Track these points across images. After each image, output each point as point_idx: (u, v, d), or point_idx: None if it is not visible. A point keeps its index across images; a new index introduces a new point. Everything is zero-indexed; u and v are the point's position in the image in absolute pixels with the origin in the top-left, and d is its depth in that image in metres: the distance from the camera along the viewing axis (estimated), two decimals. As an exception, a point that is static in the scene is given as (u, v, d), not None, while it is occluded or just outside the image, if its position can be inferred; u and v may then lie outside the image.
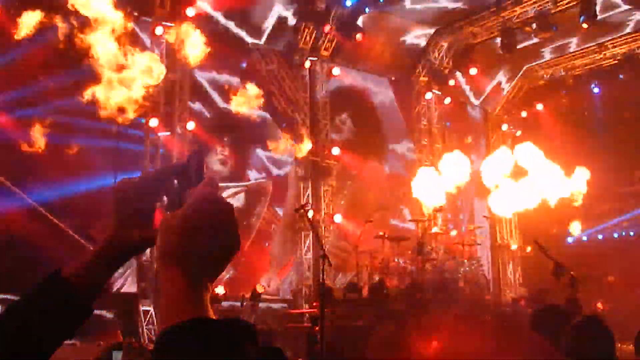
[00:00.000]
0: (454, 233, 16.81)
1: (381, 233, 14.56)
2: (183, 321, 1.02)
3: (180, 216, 1.09)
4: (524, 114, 20.80)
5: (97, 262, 1.28)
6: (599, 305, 16.72)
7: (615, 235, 19.87)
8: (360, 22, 16.71)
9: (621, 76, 19.15)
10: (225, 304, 13.39)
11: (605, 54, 19.22)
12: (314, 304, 13.45)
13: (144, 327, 12.95)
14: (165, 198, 1.28)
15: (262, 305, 13.64)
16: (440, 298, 13.44)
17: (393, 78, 19.40)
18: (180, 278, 1.07)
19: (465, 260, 15.09)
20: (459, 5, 17.56)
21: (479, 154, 20.63)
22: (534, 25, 17.53)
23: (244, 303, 13.16)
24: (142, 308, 13.15)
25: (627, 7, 16.74)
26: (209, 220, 1.09)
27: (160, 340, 1.03)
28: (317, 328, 10.52)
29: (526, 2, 17.01)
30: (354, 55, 17.71)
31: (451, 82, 19.34)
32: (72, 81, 12.21)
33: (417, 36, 18.74)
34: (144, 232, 1.28)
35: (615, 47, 18.95)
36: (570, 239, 20.64)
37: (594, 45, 19.22)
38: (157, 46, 14.57)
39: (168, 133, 14.36)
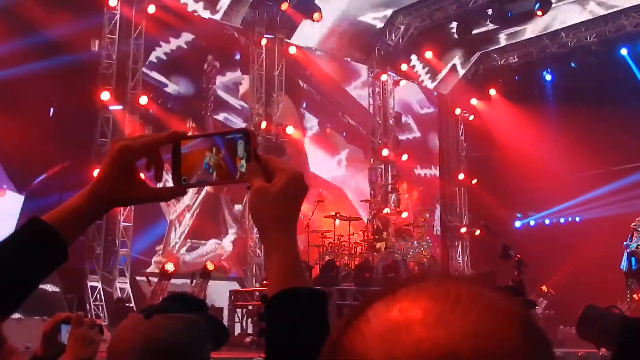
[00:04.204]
0: (405, 214, 16.95)
1: (332, 213, 14.60)
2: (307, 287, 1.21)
3: (285, 189, 1.25)
4: (473, 101, 21.03)
5: (75, 211, 1.30)
6: (544, 288, 17.13)
7: (562, 220, 20.30)
8: (317, 1, 16.65)
9: (572, 64, 19.51)
10: (175, 281, 13.33)
11: (558, 42, 19.52)
12: (264, 282, 13.46)
13: (92, 303, 12.81)
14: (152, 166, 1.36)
15: (211, 282, 13.58)
16: (390, 278, 13.59)
17: (349, 59, 19.40)
18: (293, 242, 1.25)
19: (416, 242, 15.27)
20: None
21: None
22: (490, 11, 17.73)
23: (194, 281, 13.11)
24: (89, 284, 13.00)
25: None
26: (302, 193, 1.29)
27: (295, 300, 1.19)
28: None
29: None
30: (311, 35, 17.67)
31: (405, 66, 19.43)
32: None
33: (374, 17, 18.73)
34: (125, 191, 1.32)
35: (568, 35, 19.25)
36: (517, 223, 21.05)
37: (547, 33, 19.51)
38: (111, 17, 14.36)
39: (120, 107, 14.16)
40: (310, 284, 1.24)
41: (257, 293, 13.44)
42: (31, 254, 1.24)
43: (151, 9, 14.68)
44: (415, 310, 0.64)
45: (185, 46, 15.79)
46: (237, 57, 16.96)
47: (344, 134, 19.10)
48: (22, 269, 1.23)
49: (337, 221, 14.55)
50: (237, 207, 16.30)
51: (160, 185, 1.38)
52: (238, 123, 16.26)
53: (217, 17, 16.33)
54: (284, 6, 16.40)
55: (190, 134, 1.37)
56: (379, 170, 19.09)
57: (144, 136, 1.35)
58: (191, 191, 15.33)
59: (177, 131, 1.37)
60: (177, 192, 1.37)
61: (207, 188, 15.48)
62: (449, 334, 0.61)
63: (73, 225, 1.29)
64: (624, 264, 12.48)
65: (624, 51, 19.07)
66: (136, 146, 1.32)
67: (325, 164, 18.43)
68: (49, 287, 11.97)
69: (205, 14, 16.03)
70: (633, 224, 12.37)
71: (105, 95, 13.88)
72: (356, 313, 0.68)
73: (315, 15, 16.51)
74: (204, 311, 1.87)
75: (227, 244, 16.01)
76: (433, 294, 0.65)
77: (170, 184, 1.36)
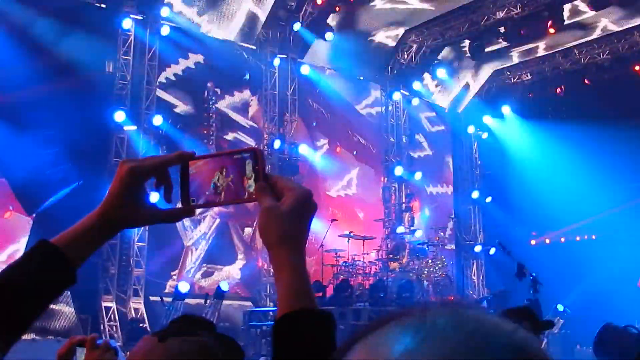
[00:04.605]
0: (419, 233, 16.89)
1: (347, 232, 14.57)
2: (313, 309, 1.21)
3: (294, 208, 1.26)
4: (487, 119, 21.00)
5: (85, 232, 1.30)
6: (559, 307, 16.94)
7: (578, 238, 20.14)
8: (330, 21, 16.75)
9: (586, 81, 19.47)
10: (189, 301, 13.30)
11: (571, 59, 19.49)
12: (278, 302, 13.40)
13: (106, 324, 12.80)
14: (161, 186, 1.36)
15: (225, 303, 13.55)
16: (404, 298, 13.52)
17: (361, 78, 19.45)
18: (302, 261, 1.26)
19: (430, 261, 15.19)
20: (428, 6, 17.66)
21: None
22: (502, 29, 17.76)
23: (209, 301, 13.09)
24: (103, 304, 13.00)
25: (593, 13, 16.99)
26: (311, 212, 1.30)
27: (300, 322, 1.19)
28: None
29: (494, 6, 17.15)
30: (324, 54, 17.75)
31: (417, 84, 19.47)
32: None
33: (386, 36, 18.80)
34: (134, 212, 1.33)
35: (580, 52, 19.23)
36: (533, 242, 20.90)
37: (560, 50, 19.50)
38: (126, 39, 14.52)
39: (134, 127, 14.25)
40: (318, 305, 1.24)
41: (272, 313, 13.38)
42: (39, 277, 1.23)
43: (165, 30, 14.82)
44: (396, 346, 0.63)
45: (194, 67, 15.90)
46: (247, 77, 17.02)
47: (355, 152, 19.10)
48: (30, 292, 1.22)
49: (350, 240, 14.51)
50: (248, 230, 16.29)
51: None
52: (248, 143, 16.31)
53: (231, 37, 16.44)
54: (297, 26, 16.50)
55: (197, 154, 1.37)
56: (393, 189, 19.05)
57: (152, 157, 1.36)
58: (208, 218, 15.43)
59: (185, 152, 1.37)
60: (186, 212, 1.38)
61: (221, 214, 15.54)
62: None
63: (82, 247, 1.29)
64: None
65: (637, 67, 18.99)
66: (144, 167, 1.32)
67: (336, 183, 18.43)
68: (64, 308, 11.99)
69: (219, 35, 16.14)
70: None
71: (119, 116, 13.97)
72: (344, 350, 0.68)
73: (328, 35, 16.60)
74: (214, 332, 1.86)
75: (235, 271, 15.99)
76: (414, 327, 0.64)
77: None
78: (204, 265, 15.41)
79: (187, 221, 15.15)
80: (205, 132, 15.88)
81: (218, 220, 15.73)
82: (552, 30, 16.97)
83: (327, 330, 1.20)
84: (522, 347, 0.63)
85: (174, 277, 14.91)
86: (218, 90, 16.17)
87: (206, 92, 15.94)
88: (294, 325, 1.19)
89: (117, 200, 1.30)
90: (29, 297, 1.22)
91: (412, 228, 16.68)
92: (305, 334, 1.18)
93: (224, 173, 1.34)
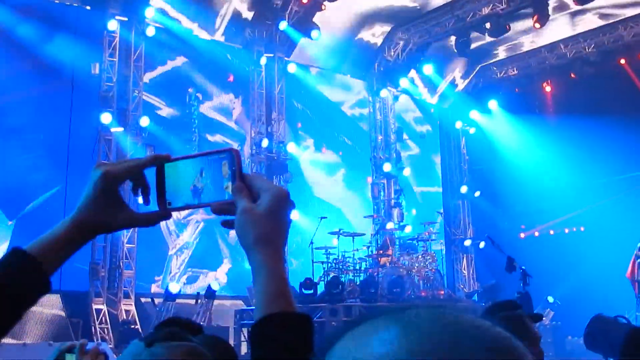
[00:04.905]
0: (408, 229, 16.94)
1: (337, 229, 14.60)
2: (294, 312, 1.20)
3: (271, 208, 1.24)
4: (474, 114, 21.09)
5: (59, 239, 1.28)
6: (550, 298, 17.07)
7: (566, 230, 20.26)
8: (316, 19, 16.74)
9: (572, 75, 19.58)
10: (180, 301, 13.29)
11: (557, 53, 19.59)
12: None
13: (97, 326, 12.78)
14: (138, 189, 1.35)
15: (216, 302, 13.55)
16: (395, 293, 13.58)
17: (348, 76, 19.48)
18: (280, 263, 1.24)
19: (420, 256, 15.24)
20: (414, 4, 17.71)
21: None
22: (488, 25, 17.82)
23: (199, 301, 13.08)
24: (94, 307, 12.96)
25: (577, 7, 17.08)
26: (289, 212, 1.27)
27: (282, 324, 1.18)
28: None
29: (480, 2, 17.21)
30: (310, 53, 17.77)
31: (405, 81, 19.52)
32: None
33: (372, 34, 18.83)
34: (109, 216, 1.31)
35: (566, 47, 19.33)
36: (522, 235, 21.00)
37: (546, 45, 19.59)
38: (111, 40, 14.49)
39: (121, 129, 14.23)
40: (295, 308, 1.23)
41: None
42: (11, 285, 1.21)
43: (150, 31, 14.80)
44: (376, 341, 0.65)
45: (179, 68, 15.88)
46: (231, 79, 17.02)
47: (340, 153, 19.12)
48: (3, 300, 1.20)
49: (339, 238, 14.55)
50: (234, 233, 16.23)
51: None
52: (233, 144, 16.35)
53: (217, 37, 16.43)
54: (283, 25, 16.49)
55: (173, 156, 1.35)
56: (382, 185, 19.10)
57: (126, 160, 1.35)
58: (193, 221, 15.41)
59: (160, 154, 1.36)
60: (162, 216, 1.36)
61: (205, 218, 15.52)
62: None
63: (56, 254, 1.27)
64: (631, 272, 12.35)
65: (622, 61, 19.12)
66: (118, 171, 1.31)
67: (322, 184, 18.45)
68: (55, 312, 11.97)
69: (205, 35, 16.12)
70: None
71: (106, 118, 13.94)
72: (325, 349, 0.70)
73: (314, 33, 16.60)
74: (201, 334, 1.86)
75: (221, 275, 15.97)
76: (394, 322, 0.66)
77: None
78: (189, 269, 15.39)
79: (172, 225, 15.16)
80: (189, 135, 15.85)
81: (203, 224, 15.72)
82: (537, 25, 17.03)
83: (305, 333, 1.19)
84: (496, 341, 0.65)
85: (159, 282, 14.93)
86: (200, 95, 16.11)
87: (187, 97, 15.89)
88: (271, 329, 1.18)
89: (91, 205, 1.29)
90: (2, 305, 1.20)
91: (401, 224, 16.71)
92: (283, 337, 1.17)
93: (200, 174, 1.32)
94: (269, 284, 1.22)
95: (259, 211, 1.24)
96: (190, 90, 15.91)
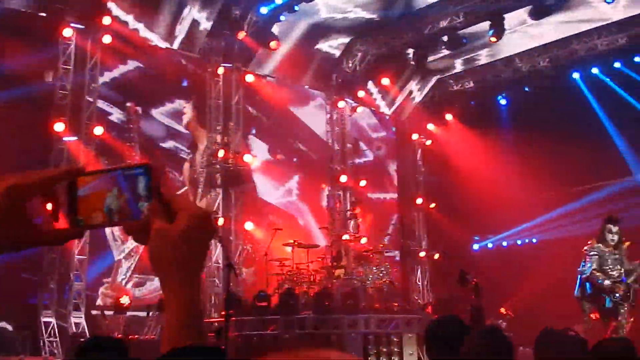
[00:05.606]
0: (364, 240, 17.00)
1: (291, 241, 14.60)
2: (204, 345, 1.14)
3: (188, 230, 1.17)
4: (430, 126, 21.31)
5: None
6: (502, 310, 17.28)
7: (519, 242, 20.54)
8: (275, 29, 16.75)
9: (526, 88, 19.92)
10: (130, 313, 13.17)
11: (512, 67, 19.89)
12: (222, 313, 13.35)
13: (46, 339, 12.57)
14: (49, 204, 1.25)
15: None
16: (349, 305, 13.62)
17: (307, 87, 19.51)
18: (195, 290, 1.17)
19: (374, 267, 15.28)
20: (373, 16, 17.83)
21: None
22: (445, 38, 18.04)
23: (150, 313, 12.97)
24: (43, 319, 12.75)
25: (533, 22, 17.39)
26: (208, 236, 1.21)
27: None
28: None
29: (438, 15, 17.39)
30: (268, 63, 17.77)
31: (362, 93, 19.64)
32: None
33: (330, 45, 18.90)
34: (14, 235, 1.21)
35: (521, 60, 19.65)
36: (475, 246, 21.23)
37: (502, 58, 19.89)
38: (66, 48, 14.30)
39: (74, 138, 14.05)
40: (206, 340, 1.18)
41: (216, 324, 13.32)
42: None
43: (107, 39, 14.63)
44: None
45: (134, 75, 15.70)
46: (185, 84, 16.91)
47: (295, 159, 19.12)
48: None
49: (291, 248, 14.55)
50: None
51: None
52: (186, 151, 16.39)
53: (174, 46, 16.34)
54: (241, 35, 16.44)
55: (87, 170, 1.27)
56: (337, 196, 19.14)
57: (36, 172, 1.23)
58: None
59: (72, 167, 1.28)
60: (73, 234, 1.26)
61: None
62: None
63: None
64: (577, 290, 12.55)
65: (576, 75, 19.50)
66: (27, 185, 1.20)
67: (275, 191, 18.43)
68: (2, 325, 11.75)
69: (162, 44, 16.02)
70: (585, 248, 12.47)
71: (59, 127, 13.76)
72: None
73: (272, 44, 16.60)
74: (124, 352, 1.87)
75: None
76: None
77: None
78: (135, 275, 15.17)
79: (116, 230, 14.96)
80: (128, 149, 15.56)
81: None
82: (493, 39, 17.32)
83: None
84: None
85: (106, 284, 14.69)
86: (139, 109, 15.85)
87: (125, 113, 15.62)
88: None
89: None
90: None
91: (357, 235, 16.76)
92: None
93: (116, 190, 1.23)
94: (181, 314, 1.16)
95: (175, 232, 1.16)
96: (129, 104, 15.60)
